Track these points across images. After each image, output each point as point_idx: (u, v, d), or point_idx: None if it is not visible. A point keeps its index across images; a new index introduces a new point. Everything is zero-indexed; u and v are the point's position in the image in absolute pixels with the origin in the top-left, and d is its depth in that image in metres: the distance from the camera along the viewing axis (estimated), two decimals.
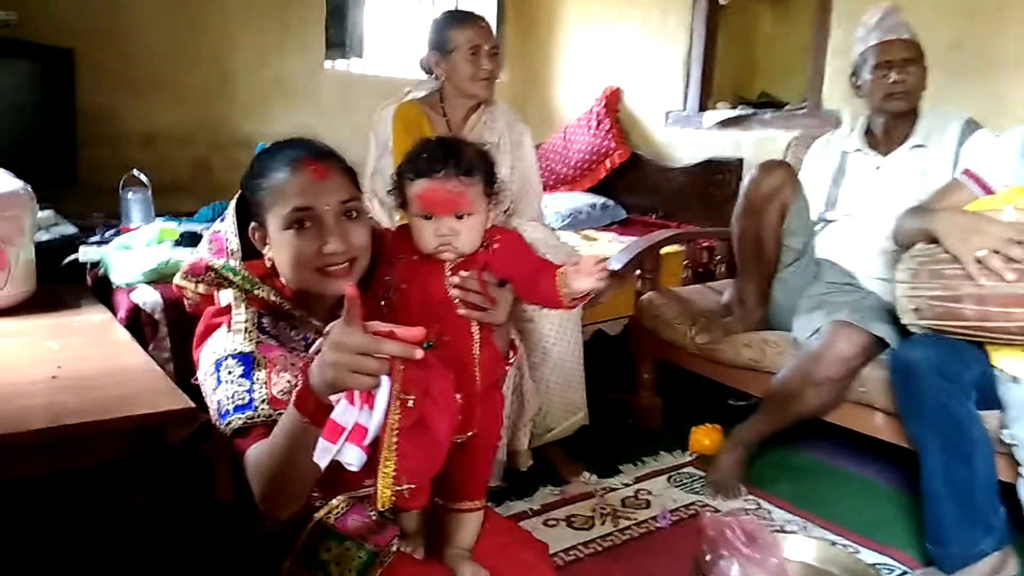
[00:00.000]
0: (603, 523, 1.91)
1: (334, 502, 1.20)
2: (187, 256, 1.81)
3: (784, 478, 2.18)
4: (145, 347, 1.71)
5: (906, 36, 2.14)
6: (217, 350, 1.13)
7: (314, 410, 0.94)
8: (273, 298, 1.19)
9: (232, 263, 1.20)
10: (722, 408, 2.63)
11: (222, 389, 1.10)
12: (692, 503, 2.02)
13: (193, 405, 1.16)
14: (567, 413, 2.09)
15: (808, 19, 3.30)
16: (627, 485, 2.10)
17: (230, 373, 1.10)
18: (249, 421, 1.07)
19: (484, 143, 2.10)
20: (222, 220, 1.26)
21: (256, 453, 1.05)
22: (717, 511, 1.97)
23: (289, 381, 1.12)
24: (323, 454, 0.91)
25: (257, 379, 1.10)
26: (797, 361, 1.96)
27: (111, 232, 2.17)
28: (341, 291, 1.18)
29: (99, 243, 2.03)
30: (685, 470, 2.22)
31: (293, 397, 0.97)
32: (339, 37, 3.61)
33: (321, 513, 1.18)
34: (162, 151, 3.12)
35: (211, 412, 1.12)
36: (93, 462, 1.14)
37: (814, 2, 3.09)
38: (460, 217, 1.20)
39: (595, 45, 3.88)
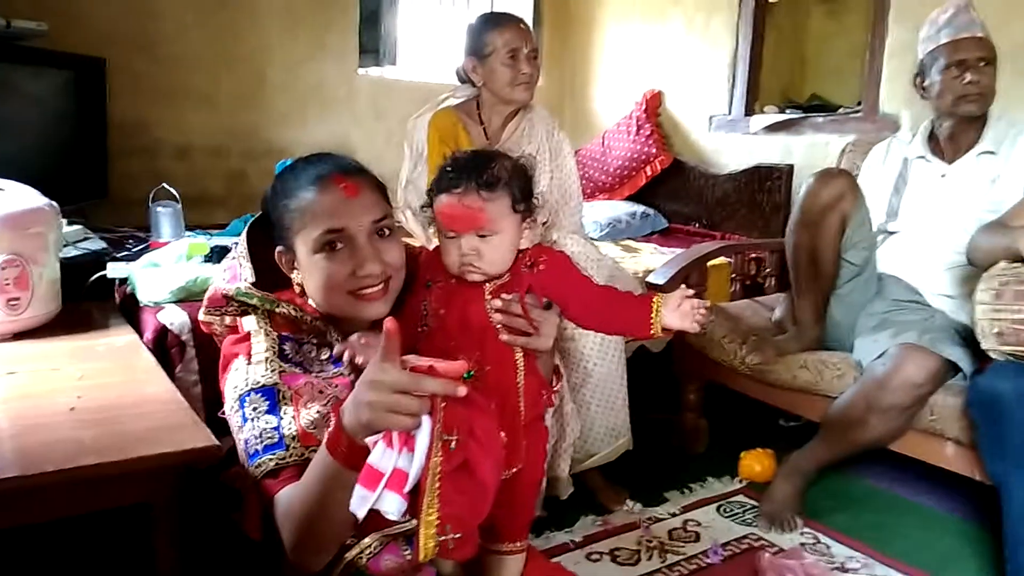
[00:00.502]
0: (649, 558, 1.79)
1: (366, 541, 1.12)
2: (216, 272, 1.77)
3: (842, 508, 2.05)
4: (172, 369, 1.66)
5: (980, 34, 2.00)
6: (239, 384, 1.06)
7: (348, 453, 0.88)
8: (295, 313, 1.12)
9: (243, 286, 1.13)
10: (772, 429, 2.50)
11: (248, 428, 1.03)
12: (745, 536, 1.90)
13: (217, 443, 1.08)
14: (610, 437, 1.98)
15: (862, 18, 3.16)
16: (674, 515, 1.98)
17: (255, 409, 1.04)
18: (281, 462, 1.00)
19: (522, 153, 2.01)
20: (233, 255, 1.20)
21: (286, 498, 0.98)
22: (772, 545, 1.85)
23: (319, 412, 1.05)
24: (360, 503, 0.85)
25: (284, 414, 1.03)
26: (861, 386, 1.83)
27: (140, 247, 2.12)
28: (375, 316, 1.11)
29: (128, 259, 1.98)
30: (735, 499, 2.09)
31: (325, 439, 0.91)
32: (373, 44, 3.56)
33: (352, 553, 1.10)
34: (196, 162, 3.08)
35: (239, 451, 1.05)
36: (109, 506, 1.06)
37: (869, 0, 2.94)
38: (483, 236, 1.11)
39: (635, 47, 3.76)
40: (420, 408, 0.84)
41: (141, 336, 1.65)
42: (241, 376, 1.07)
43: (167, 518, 1.09)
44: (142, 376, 1.35)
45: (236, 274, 1.16)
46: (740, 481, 2.18)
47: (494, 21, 2.03)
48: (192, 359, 1.68)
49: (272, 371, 1.06)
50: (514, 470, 1.14)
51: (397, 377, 0.84)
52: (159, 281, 1.76)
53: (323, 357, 1.13)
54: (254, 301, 1.12)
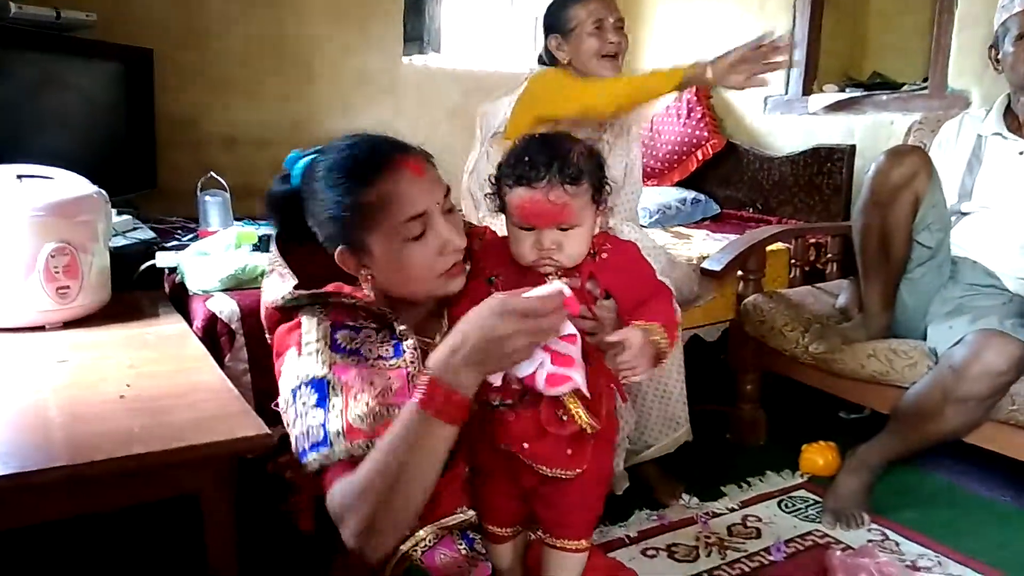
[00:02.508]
0: (708, 554, 1.72)
1: (421, 533, 1.08)
2: (264, 261, 1.74)
3: (911, 504, 1.95)
4: (222, 357, 1.64)
5: None
6: (290, 378, 1.02)
7: (443, 404, 0.90)
8: (350, 302, 1.07)
9: (287, 295, 1.07)
10: (832, 421, 2.41)
11: (299, 424, 0.99)
12: (808, 532, 1.81)
13: (268, 432, 1.04)
14: (667, 428, 1.91)
15: None
16: (732, 510, 1.91)
17: (304, 404, 0.99)
18: (325, 461, 0.96)
19: (604, 132, 1.95)
20: (269, 268, 1.15)
21: (348, 486, 0.93)
22: (838, 542, 1.77)
23: (368, 404, 0.99)
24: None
25: (332, 407, 0.98)
26: (936, 375, 1.72)
27: (189, 237, 2.11)
28: (458, 288, 1.08)
29: (177, 248, 1.97)
30: (797, 493, 2.00)
31: (421, 399, 0.90)
32: (417, 31, 3.51)
33: (407, 546, 1.06)
34: (242, 153, 3.07)
35: (292, 447, 1.00)
36: (159, 497, 1.04)
37: None
38: (565, 228, 1.06)
39: (685, 26, 3.64)
40: (551, 326, 0.91)
41: (191, 325, 1.63)
42: (292, 370, 1.03)
43: (218, 509, 1.07)
44: (192, 365, 1.32)
45: (279, 282, 1.11)
46: (801, 475, 2.09)
47: None
48: (242, 347, 1.66)
49: (323, 363, 1.01)
50: (578, 471, 1.09)
51: (526, 302, 0.89)
52: (208, 269, 1.74)
53: (381, 342, 1.08)
54: (304, 303, 1.07)
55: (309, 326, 1.05)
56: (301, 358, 1.02)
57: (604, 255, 1.10)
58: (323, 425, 0.97)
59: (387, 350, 1.08)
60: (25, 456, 0.95)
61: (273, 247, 1.18)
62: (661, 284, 1.15)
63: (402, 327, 1.08)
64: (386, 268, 1.05)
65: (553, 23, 1.99)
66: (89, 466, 0.93)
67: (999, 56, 2.00)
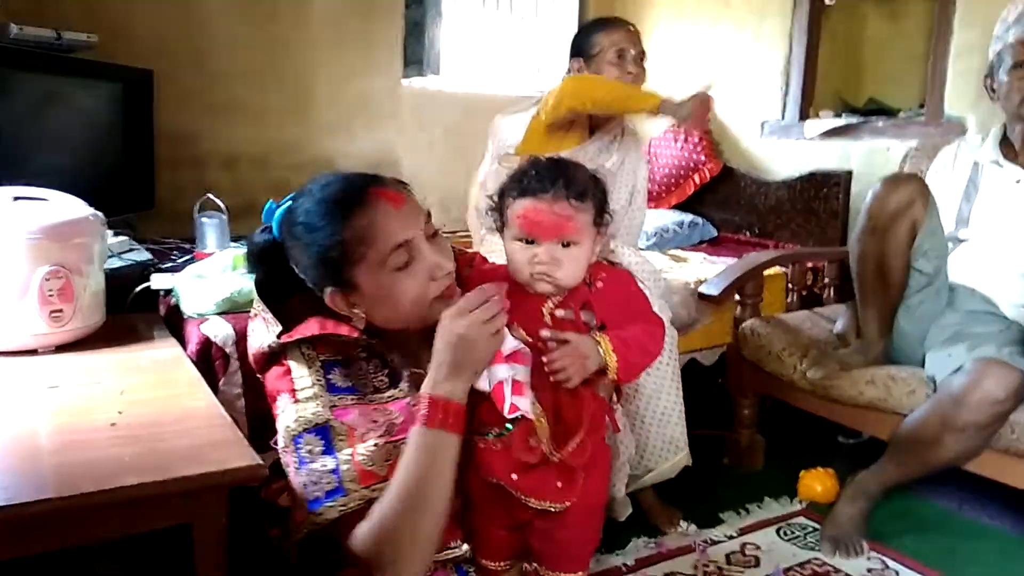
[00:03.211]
0: None
1: None
2: (251, 336, 1.73)
3: (910, 531, 1.93)
4: (216, 381, 1.62)
5: None
6: (290, 424, 1.02)
7: (443, 416, 0.97)
8: (337, 339, 1.06)
9: (273, 342, 1.08)
10: (831, 446, 2.39)
11: (305, 472, 0.99)
12: (807, 561, 1.79)
13: (260, 462, 1.03)
14: (667, 452, 1.89)
15: (922, 21, 3.03)
16: (731, 537, 1.89)
17: (310, 451, 1.00)
18: (343, 508, 0.98)
19: (609, 160, 1.98)
20: (253, 313, 1.15)
21: (380, 515, 0.96)
22: (837, 571, 1.75)
23: (376, 444, 1.01)
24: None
25: (341, 453, 0.99)
26: (935, 403, 1.72)
27: (186, 258, 2.11)
28: None
29: (173, 270, 1.96)
30: (796, 520, 1.99)
31: (425, 419, 0.96)
32: (416, 55, 3.53)
33: None
34: (242, 174, 3.07)
35: (296, 491, 1.01)
36: (149, 528, 1.02)
37: (932, 2, 2.82)
38: (565, 245, 1.06)
39: (684, 51, 3.66)
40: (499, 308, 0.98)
41: (185, 348, 1.62)
42: (291, 416, 1.03)
43: (210, 539, 1.04)
44: (185, 390, 1.31)
45: (264, 329, 1.11)
46: (800, 502, 2.07)
47: (604, 22, 2.07)
48: (236, 372, 1.64)
49: (322, 407, 1.02)
50: (568, 503, 1.07)
51: (465, 302, 0.99)
52: (203, 292, 1.73)
53: (375, 373, 1.09)
54: (293, 344, 1.07)
55: (300, 371, 1.05)
56: (298, 404, 1.02)
57: (599, 284, 1.10)
58: (335, 472, 0.98)
59: (382, 380, 1.08)
60: (12, 488, 0.93)
61: (256, 296, 1.17)
62: (654, 315, 1.15)
63: (392, 356, 1.07)
64: (377, 302, 1.05)
65: (579, 46, 2.04)
66: (77, 498, 0.91)
67: (995, 85, 2.02)
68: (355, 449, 1.00)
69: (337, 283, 1.06)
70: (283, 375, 1.06)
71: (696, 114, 1.96)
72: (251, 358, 1.13)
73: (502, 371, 1.00)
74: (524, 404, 1.00)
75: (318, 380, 1.04)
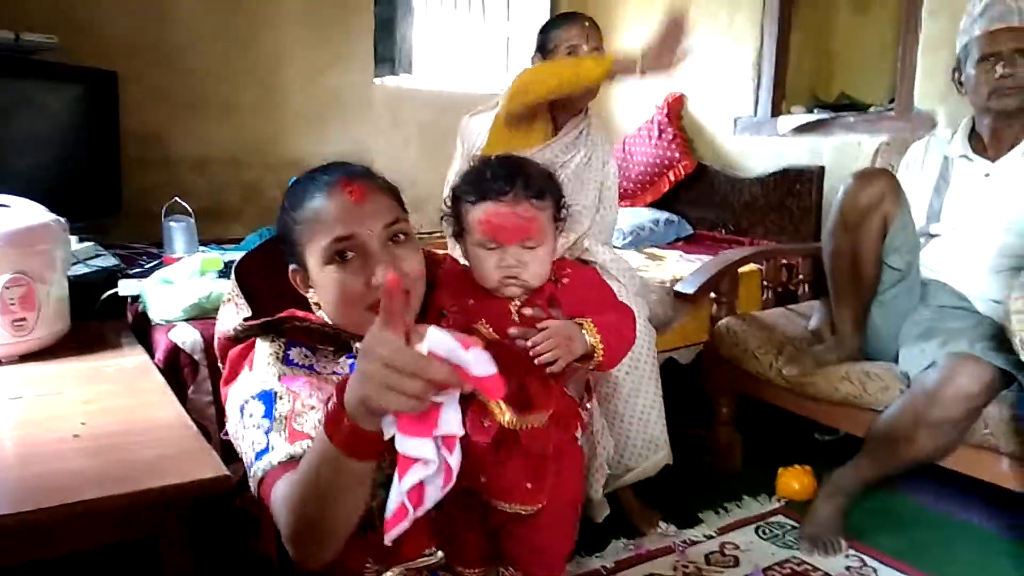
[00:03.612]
0: None
1: (389, 574, 1.05)
2: (229, 288, 1.71)
3: (888, 528, 1.94)
4: (184, 389, 1.59)
5: (1017, 23, 1.89)
6: (239, 396, 0.99)
7: (348, 436, 0.76)
8: (304, 326, 1.04)
9: (238, 325, 1.06)
10: (808, 444, 2.40)
11: (248, 439, 0.95)
12: (787, 560, 1.80)
13: (227, 473, 1.00)
14: (647, 450, 1.88)
15: (892, 12, 3.05)
16: (710, 537, 1.89)
17: (251, 416, 0.96)
18: (268, 466, 0.91)
19: (577, 156, 1.96)
20: (226, 298, 1.15)
21: (282, 488, 0.88)
22: (816, 570, 1.76)
23: (315, 408, 0.95)
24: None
25: (278, 416, 0.94)
26: (909, 399, 1.72)
27: (154, 263, 2.06)
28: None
29: (141, 275, 1.92)
30: (774, 519, 1.99)
31: (323, 417, 0.80)
32: (388, 52, 3.50)
33: None
34: (213, 175, 3.03)
35: (246, 463, 0.97)
36: (113, 541, 0.99)
37: None
38: (529, 247, 1.04)
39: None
40: (422, 392, 0.70)
41: (153, 356, 1.58)
42: (242, 387, 1.01)
43: (175, 552, 1.02)
44: (151, 399, 1.28)
45: (233, 312, 1.11)
46: (778, 500, 2.08)
47: (561, 18, 2.07)
48: (205, 379, 1.62)
49: (271, 375, 0.99)
50: (540, 505, 1.06)
51: (393, 353, 0.70)
52: (171, 298, 1.70)
53: (336, 360, 1.06)
54: (256, 333, 1.05)
55: (262, 346, 1.03)
56: (252, 373, 1.00)
57: (565, 280, 1.09)
58: (266, 432, 0.94)
59: (343, 367, 1.05)
60: None
61: (232, 276, 1.15)
62: (622, 304, 1.14)
63: (359, 344, 1.05)
64: (320, 291, 1.04)
65: (538, 42, 2.05)
66: (37, 513, 0.89)
67: (962, 79, 2.03)
68: (293, 411, 0.95)
69: (296, 261, 1.06)
70: (244, 349, 1.04)
71: (665, 54, 1.90)
72: (216, 342, 1.12)
73: (387, 424, 0.76)
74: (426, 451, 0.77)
75: (275, 352, 1.02)
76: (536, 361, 1.00)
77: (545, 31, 2.04)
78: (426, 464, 0.76)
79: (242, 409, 0.98)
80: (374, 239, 1.02)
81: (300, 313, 1.05)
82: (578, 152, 1.99)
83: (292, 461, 0.89)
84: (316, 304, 1.08)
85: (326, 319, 1.06)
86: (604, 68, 1.89)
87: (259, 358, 1.02)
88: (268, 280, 1.16)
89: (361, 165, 1.09)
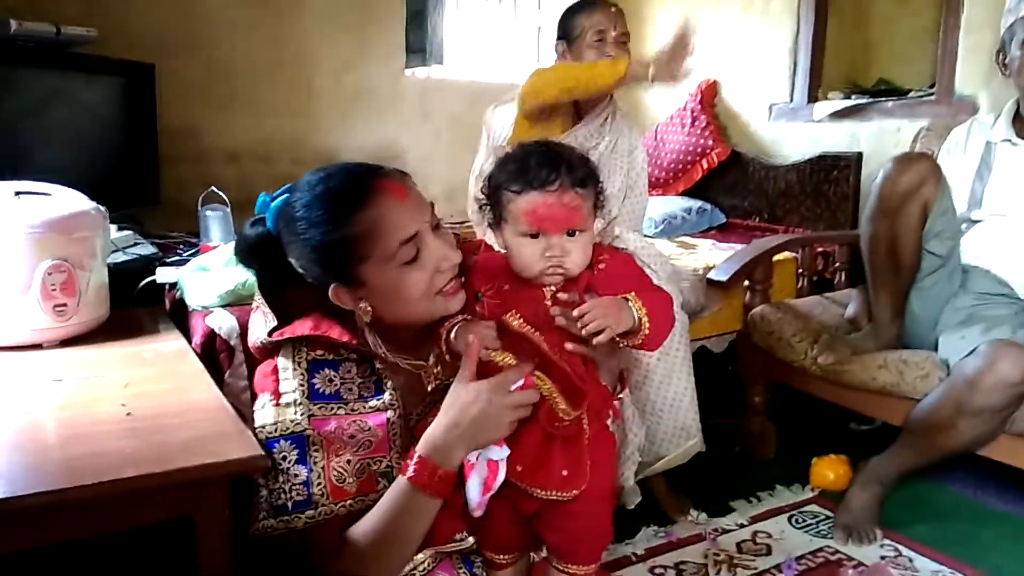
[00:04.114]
0: (718, 572, 1.69)
1: (419, 557, 1.07)
2: (251, 328, 1.74)
3: (924, 518, 1.91)
4: (221, 374, 1.62)
5: None
6: (266, 425, 1.02)
7: (439, 481, 0.99)
8: (327, 342, 1.07)
9: (263, 338, 1.10)
10: (843, 433, 2.37)
11: (279, 477, 1.00)
12: (820, 549, 1.77)
13: (262, 453, 1.02)
14: (679, 438, 1.86)
15: None
16: (742, 526, 1.87)
17: (284, 458, 1.00)
18: (310, 521, 0.99)
19: (601, 144, 1.95)
20: (255, 305, 1.17)
21: (354, 540, 1.01)
22: (850, 559, 1.73)
23: (349, 460, 1.02)
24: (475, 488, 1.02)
25: (314, 465, 1.00)
26: (948, 387, 1.69)
27: (190, 252, 2.10)
28: (458, 308, 1.07)
29: (178, 263, 1.96)
30: (808, 508, 1.97)
31: (411, 479, 0.98)
32: (419, 43, 3.51)
33: (406, 570, 1.05)
34: (245, 168, 3.07)
35: (262, 491, 1.02)
36: (151, 520, 1.01)
37: None
38: (572, 234, 1.04)
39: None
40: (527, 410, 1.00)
41: (190, 341, 1.61)
42: (268, 416, 1.03)
43: (211, 531, 1.03)
44: (188, 383, 1.30)
45: (262, 323, 1.13)
46: (812, 490, 2.05)
47: (586, 3, 2.02)
48: (241, 364, 1.63)
49: (301, 415, 1.02)
50: (575, 492, 1.06)
51: (521, 397, 0.99)
52: (207, 285, 1.72)
53: (362, 379, 1.09)
54: (283, 344, 1.08)
55: (286, 372, 1.05)
56: (279, 408, 1.03)
57: (601, 266, 1.08)
58: (306, 485, 0.99)
59: (368, 388, 1.07)
60: (15, 480, 0.92)
61: (257, 291, 1.18)
62: (659, 288, 1.13)
63: (381, 367, 1.07)
64: (384, 296, 1.04)
65: (562, 28, 2.03)
66: (77, 490, 0.91)
67: (1006, 61, 1.98)
68: (329, 463, 1.01)
69: (341, 279, 1.04)
70: (270, 373, 1.07)
71: (673, 65, 1.81)
72: (251, 348, 1.14)
73: (494, 452, 1.01)
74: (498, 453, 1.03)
75: (301, 385, 1.04)
76: (584, 332, 0.99)
77: (568, 17, 2.01)
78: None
79: (271, 444, 1.01)
80: (427, 230, 1.04)
81: (323, 326, 1.07)
82: (603, 139, 1.98)
83: (335, 518, 1.01)
84: (368, 313, 1.06)
85: (348, 335, 1.07)
86: (618, 73, 1.83)
87: (285, 391, 1.04)
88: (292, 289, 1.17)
89: (376, 164, 1.09)
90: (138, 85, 2.47)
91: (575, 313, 1.00)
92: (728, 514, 1.92)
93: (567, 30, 2.00)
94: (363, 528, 1.00)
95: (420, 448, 0.99)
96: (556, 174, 1.03)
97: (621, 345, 1.06)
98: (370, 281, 1.03)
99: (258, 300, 1.15)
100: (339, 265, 1.03)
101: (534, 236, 1.04)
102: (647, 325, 1.01)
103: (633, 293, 1.03)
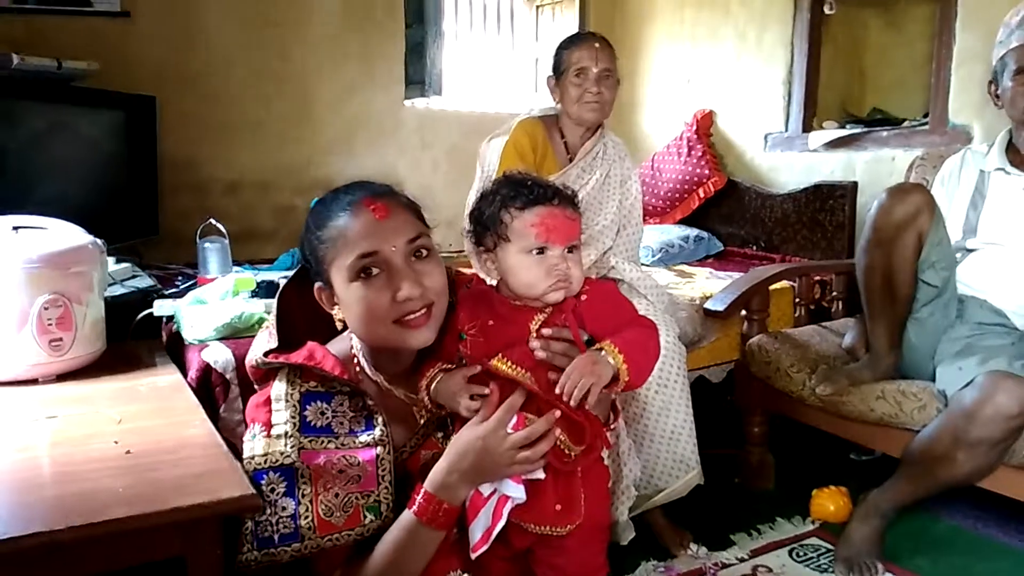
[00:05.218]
0: None
1: None
2: (261, 308, 1.73)
3: (925, 551, 1.89)
4: (216, 408, 1.61)
5: None
6: (256, 456, 1.03)
7: (444, 516, 1.02)
8: (320, 374, 1.08)
9: (258, 358, 1.11)
10: (843, 464, 2.35)
11: (265, 508, 1.01)
12: None
13: (255, 492, 1.01)
14: (678, 471, 1.85)
15: (924, 28, 3.02)
16: (742, 560, 1.85)
17: (272, 491, 1.01)
18: (296, 554, 1.00)
19: (593, 177, 1.97)
20: (266, 324, 1.19)
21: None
22: None
23: (337, 495, 1.03)
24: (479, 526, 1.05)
25: (302, 497, 1.01)
26: (946, 418, 1.68)
27: (188, 284, 2.10)
28: (421, 344, 1.07)
29: (175, 296, 1.96)
30: (808, 541, 1.94)
31: (416, 512, 1.02)
32: (418, 75, 3.55)
33: None
34: (245, 198, 3.09)
35: (248, 523, 1.02)
36: (142, 560, 1.00)
37: (932, 7, 2.80)
38: (571, 251, 1.08)
39: (685, 66, 3.67)
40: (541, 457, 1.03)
41: (186, 375, 1.61)
42: (258, 447, 1.04)
43: (203, 571, 1.03)
44: (182, 418, 1.30)
45: (264, 343, 1.14)
46: (813, 522, 2.03)
47: (572, 39, 2.06)
48: (236, 398, 1.63)
49: (291, 448, 1.03)
50: (570, 527, 1.05)
51: (524, 435, 1.01)
52: (204, 318, 1.73)
53: (354, 413, 1.09)
54: (276, 367, 1.10)
55: (279, 403, 1.06)
56: (270, 439, 1.04)
57: (584, 296, 1.10)
58: (293, 518, 1.00)
59: (359, 422, 1.08)
60: (6, 521, 0.92)
61: (275, 303, 1.18)
62: (643, 318, 1.14)
63: (372, 402, 1.07)
64: (348, 309, 1.07)
65: (553, 63, 2.05)
66: (66, 532, 0.90)
67: (999, 92, 2.00)
68: (317, 496, 1.01)
69: (321, 279, 1.09)
70: (262, 404, 1.07)
71: None
72: (247, 367, 1.15)
73: (510, 488, 1.04)
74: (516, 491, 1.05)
75: (293, 417, 1.05)
76: (572, 402, 1.01)
77: (557, 52, 2.04)
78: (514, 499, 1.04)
79: (259, 475, 1.02)
80: (398, 255, 1.04)
81: (318, 355, 1.08)
82: (594, 173, 2.00)
83: (321, 550, 1.02)
84: (341, 321, 1.10)
85: (340, 369, 1.08)
86: None
87: (276, 421, 1.05)
88: (304, 310, 1.19)
89: (383, 184, 1.12)
90: (139, 117, 2.50)
91: (556, 390, 1.01)
92: (728, 547, 1.90)
93: (555, 64, 2.03)
94: (369, 561, 1.03)
95: (427, 484, 1.02)
96: (555, 191, 1.09)
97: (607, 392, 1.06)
98: (336, 286, 1.07)
99: (269, 321, 1.17)
100: (316, 265, 1.08)
101: (539, 252, 1.06)
102: (625, 370, 1.03)
103: (608, 341, 1.04)
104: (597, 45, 1.98)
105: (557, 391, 1.01)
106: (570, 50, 1.99)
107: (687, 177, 3.44)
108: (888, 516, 1.80)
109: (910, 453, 1.75)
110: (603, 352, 1.03)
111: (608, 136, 2.08)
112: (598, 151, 2.03)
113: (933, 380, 1.84)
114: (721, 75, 3.49)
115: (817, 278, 2.57)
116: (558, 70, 2.01)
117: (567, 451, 1.04)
